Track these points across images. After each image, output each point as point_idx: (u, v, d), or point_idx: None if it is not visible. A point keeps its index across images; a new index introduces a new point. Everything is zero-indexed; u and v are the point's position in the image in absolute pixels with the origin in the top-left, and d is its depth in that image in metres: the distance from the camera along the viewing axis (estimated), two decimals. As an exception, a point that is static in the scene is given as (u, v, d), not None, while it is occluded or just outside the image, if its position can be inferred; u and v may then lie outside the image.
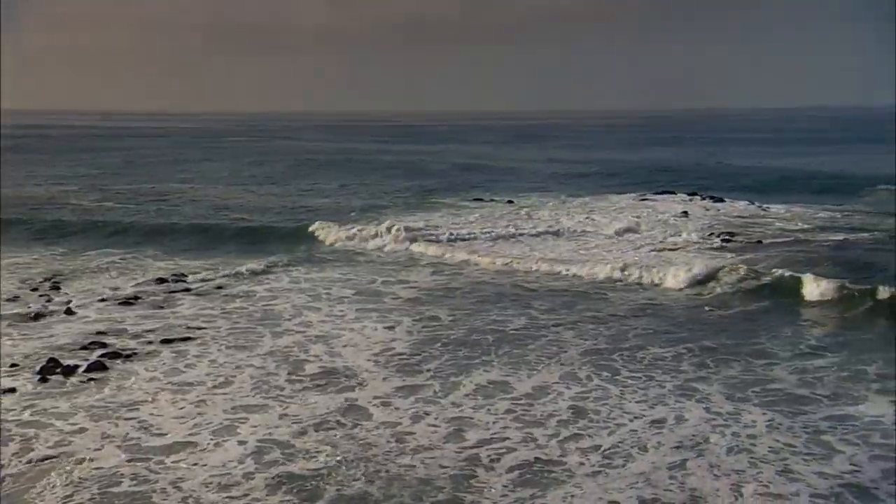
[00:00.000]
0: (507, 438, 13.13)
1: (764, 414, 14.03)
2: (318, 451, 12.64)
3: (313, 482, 11.66)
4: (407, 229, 32.60)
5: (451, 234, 33.01)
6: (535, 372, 16.37)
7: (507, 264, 27.60)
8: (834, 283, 21.97)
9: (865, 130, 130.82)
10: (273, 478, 11.79)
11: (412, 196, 47.66)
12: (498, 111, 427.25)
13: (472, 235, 32.91)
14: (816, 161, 69.45)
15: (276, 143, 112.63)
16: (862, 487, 11.45)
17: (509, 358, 17.29)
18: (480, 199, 45.29)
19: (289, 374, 16.38)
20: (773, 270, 23.88)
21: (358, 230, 33.13)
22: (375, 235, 32.22)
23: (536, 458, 12.38)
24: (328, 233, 33.28)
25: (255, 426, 13.64)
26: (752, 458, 12.29)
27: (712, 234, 32.53)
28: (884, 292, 20.89)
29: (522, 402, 14.77)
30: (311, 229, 33.94)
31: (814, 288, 21.97)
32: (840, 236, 31.51)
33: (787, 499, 11.06)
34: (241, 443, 12.99)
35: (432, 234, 32.77)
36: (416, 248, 30.97)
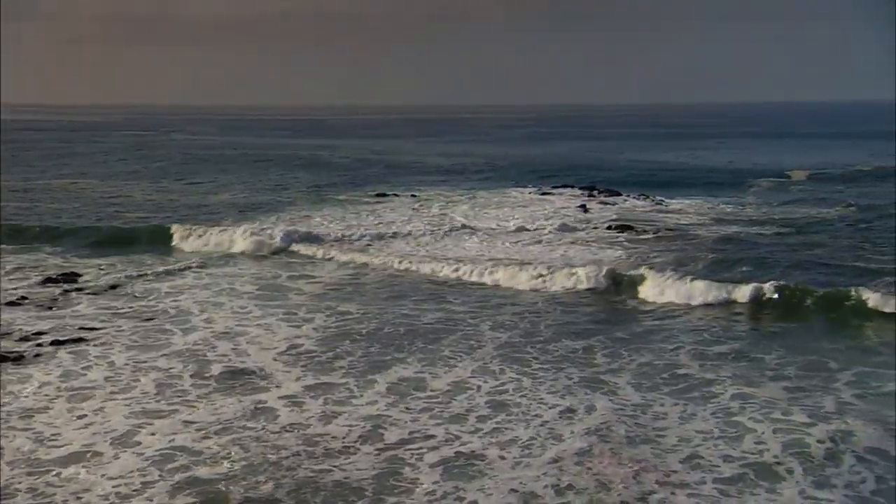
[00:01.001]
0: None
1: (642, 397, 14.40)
2: (224, 456, 12.26)
3: (219, 487, 11.33)
4: (287, 234, 30.15)
5: (341, 234, 31.52)
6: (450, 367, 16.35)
7: (402, 268, 26.16)
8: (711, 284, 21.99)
9: (758, 125, 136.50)
10: (176, 484, 11.38)
11: (312, 192, 46.97)
12: (399, 105, 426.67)
13: (365, 235, 31.47)
14: (707, 155, 72.11)
15: (166, 137, 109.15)
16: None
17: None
18: (383, 194, 45.10)
19: (192, 376, 15.88)
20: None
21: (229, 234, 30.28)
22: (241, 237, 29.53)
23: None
24: (186, 237, 30.28)
25: (157, 433, 13.15)
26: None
27: (609, 227, 33.10)
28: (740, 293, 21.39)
29: (439, 398, 14.73)
30: (171, 232, 30.92)
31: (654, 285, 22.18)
32: (730, 229, 32.64)
33: (690, 486, 11.36)
34: (141, 450, 12.49)
35: (321, 235, 31.08)
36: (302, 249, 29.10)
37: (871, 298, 20.07)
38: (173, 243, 30.26)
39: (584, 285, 23.13)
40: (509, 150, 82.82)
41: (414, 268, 25.91)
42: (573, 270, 23.74)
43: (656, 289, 21.98)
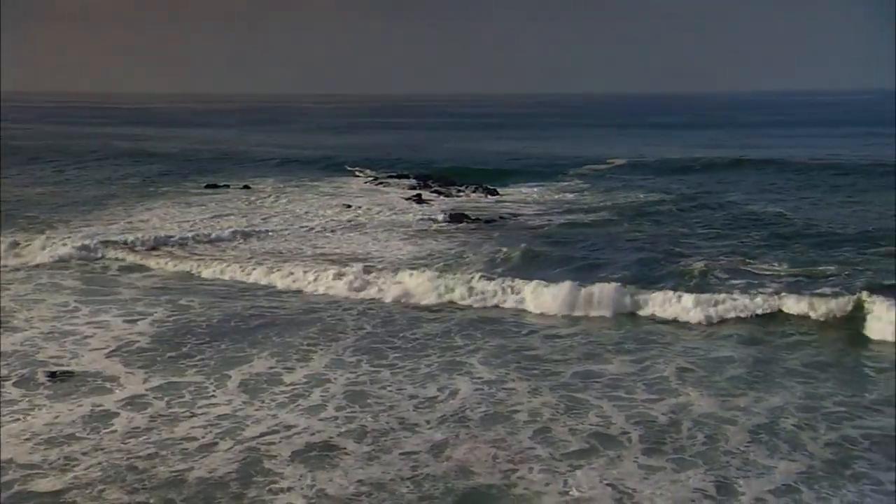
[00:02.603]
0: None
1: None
2: (65, 467, 11.49)
3: (64, 499, 10.62)
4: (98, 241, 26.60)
5: (167, 235, 28.55)
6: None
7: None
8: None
9: (590, 117, 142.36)
10: (10, 499, 10.57)
11: (139, 184, 44.78)
12: (232, 94, 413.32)
13: (188, 237, 28.58)
14: (540, 145, 74.59)
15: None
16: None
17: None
18: (214, 185, 43.67)
19: (14, 383, 14.76)
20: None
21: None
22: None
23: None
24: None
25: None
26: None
27: (442, 219, 33.17)
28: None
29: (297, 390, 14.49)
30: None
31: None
32: (559, 218, 33.86)
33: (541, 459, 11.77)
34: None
35: (142, 240, 27.53)
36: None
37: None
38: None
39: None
40: (345, 140, 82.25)
41: (245, 277, 23.41)
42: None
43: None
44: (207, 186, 43.40)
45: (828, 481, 11.04)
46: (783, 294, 19.14)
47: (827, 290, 19.82)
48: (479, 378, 15.11)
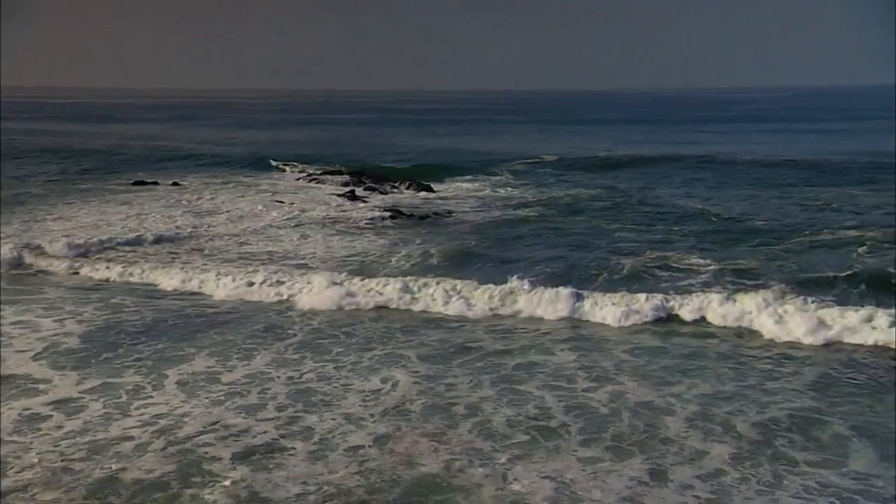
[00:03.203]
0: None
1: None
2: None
3: (-7, 503, 10.36)
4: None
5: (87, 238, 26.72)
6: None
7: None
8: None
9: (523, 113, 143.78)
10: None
11: (61, 182, 43.56)
12: (161, 89, 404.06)
13: (114, 239, 27.11)
14: (470, 140, 75.11)
15: None
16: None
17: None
18: (142, 182, 42.73)
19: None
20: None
21: None
22: None
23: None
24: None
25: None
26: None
27: (378, 215, 33.14)
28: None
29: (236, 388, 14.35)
30: None
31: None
32: (490, 213, 34.04)
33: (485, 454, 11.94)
34: None
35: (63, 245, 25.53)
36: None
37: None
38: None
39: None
40: (278, 136, 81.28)
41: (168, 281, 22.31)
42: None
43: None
44: (135, 183, 42.44)
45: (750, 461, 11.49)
46: (708, 296, 19.09)
47: (748, 281, 20.70)
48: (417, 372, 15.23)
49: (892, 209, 32.00)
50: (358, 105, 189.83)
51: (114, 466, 11.30)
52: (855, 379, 14.78)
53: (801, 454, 11.70)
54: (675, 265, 22.81)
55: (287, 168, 51.21)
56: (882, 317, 17.11)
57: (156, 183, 42.63)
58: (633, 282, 21.18)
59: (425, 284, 20.55)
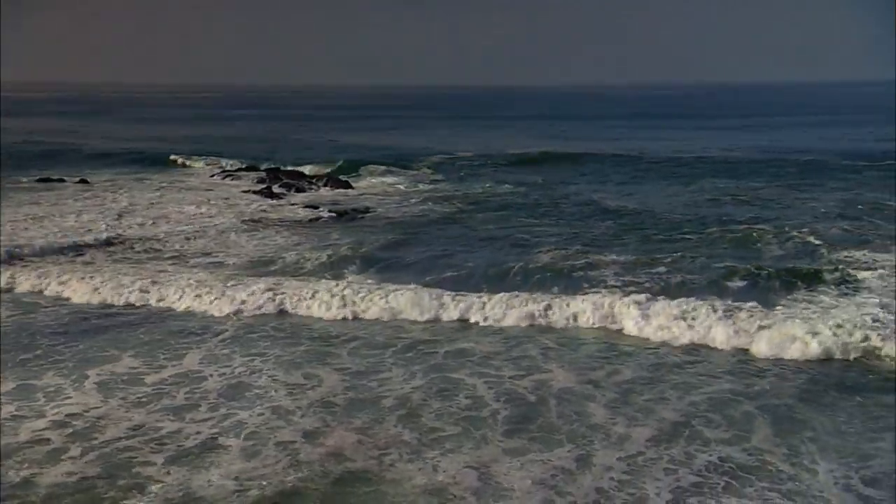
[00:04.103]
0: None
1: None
2: None
3: None
4: None
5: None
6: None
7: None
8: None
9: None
10: None
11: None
12: (76, 83, 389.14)
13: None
14: (390, 136, 75.02)
15: None
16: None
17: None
18: (48, 179, 41.27)
19: None
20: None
21: None
22: None
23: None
24: None
25: None
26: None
27: (295, 212, 32.87)
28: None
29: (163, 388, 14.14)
30: None
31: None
32: (412, 209, 34.28)
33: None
34: None
35: None
36: None
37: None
38: None
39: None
40: (191, 132, 79.33)
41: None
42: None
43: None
44: (40, 181, 40.99)
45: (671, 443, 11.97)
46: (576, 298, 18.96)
47: (662, 270, 21.62)
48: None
49: (787, 203, 33.50)
50: (273, 101, 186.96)
51: (35, 470, 11.04)
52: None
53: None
54: (589, 260, 23.14)
55: (200, 165, 50.30)
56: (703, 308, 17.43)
57: (62, 180, 41.24)
58: (539, 279, 21.22)
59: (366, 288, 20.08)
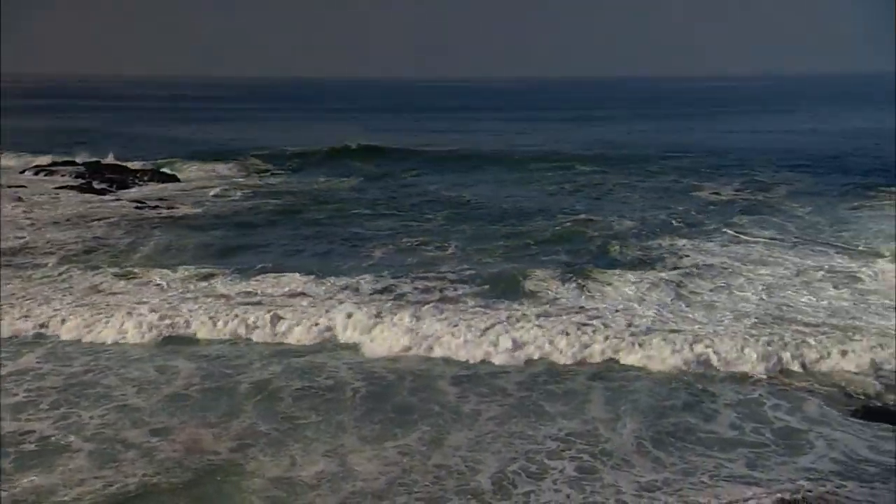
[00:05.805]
0: None
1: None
2: None
3: None
4: None
5: None
6: None
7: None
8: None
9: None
10: None
11: None
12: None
13: None
14: (219, 128, 72.82)
15: None
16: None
17: None
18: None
19: None
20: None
21: None
22: None
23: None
24: None
25: None
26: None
27: (117, 208, 31.19)
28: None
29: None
30: None
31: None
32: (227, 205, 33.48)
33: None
34: None
35: None
36: None
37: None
38: None
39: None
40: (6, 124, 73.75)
41: None
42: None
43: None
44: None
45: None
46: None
47: (496, 262, 22.31)
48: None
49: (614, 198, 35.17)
50: (99, 92, 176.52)
51: None
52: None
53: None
54: (424, 251, 23.64)
55: (11, 158, 47.06)
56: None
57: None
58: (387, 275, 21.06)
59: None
